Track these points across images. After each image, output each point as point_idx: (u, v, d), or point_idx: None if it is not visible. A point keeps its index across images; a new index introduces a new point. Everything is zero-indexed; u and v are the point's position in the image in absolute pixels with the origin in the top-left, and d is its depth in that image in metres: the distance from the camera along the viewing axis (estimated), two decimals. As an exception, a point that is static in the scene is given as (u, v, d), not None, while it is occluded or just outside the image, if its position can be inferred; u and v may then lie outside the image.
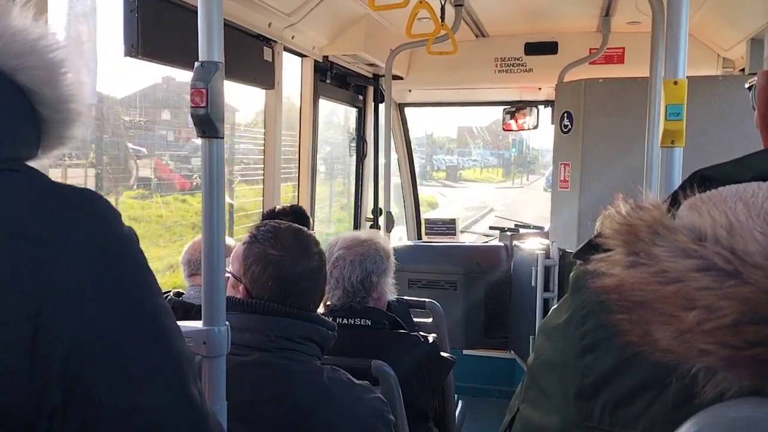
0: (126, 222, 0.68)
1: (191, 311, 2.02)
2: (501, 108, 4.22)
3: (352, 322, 1.86)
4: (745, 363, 0.43)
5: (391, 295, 2.03)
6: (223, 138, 1.16)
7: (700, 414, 0.45)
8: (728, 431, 0.43)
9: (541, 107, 4.11)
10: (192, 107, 1.12)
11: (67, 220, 0.62)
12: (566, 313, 0.62)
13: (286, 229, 1.46)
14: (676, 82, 1.45)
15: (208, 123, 1.14)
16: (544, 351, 0.65)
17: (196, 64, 1.14)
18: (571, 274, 0.64)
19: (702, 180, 0.57)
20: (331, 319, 1.58)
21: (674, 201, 0.54)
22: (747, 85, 0.86)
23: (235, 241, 2.35)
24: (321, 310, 1.67)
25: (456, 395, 2.43)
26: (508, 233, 4.21)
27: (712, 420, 0.44)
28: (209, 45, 1.13)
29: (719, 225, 0.45)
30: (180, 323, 0.74)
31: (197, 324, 1.18)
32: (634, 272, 0.47)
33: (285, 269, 1.41)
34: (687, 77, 1.48)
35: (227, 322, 1.19)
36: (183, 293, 2.28)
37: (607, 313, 0.49)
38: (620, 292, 0.48)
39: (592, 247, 0.54)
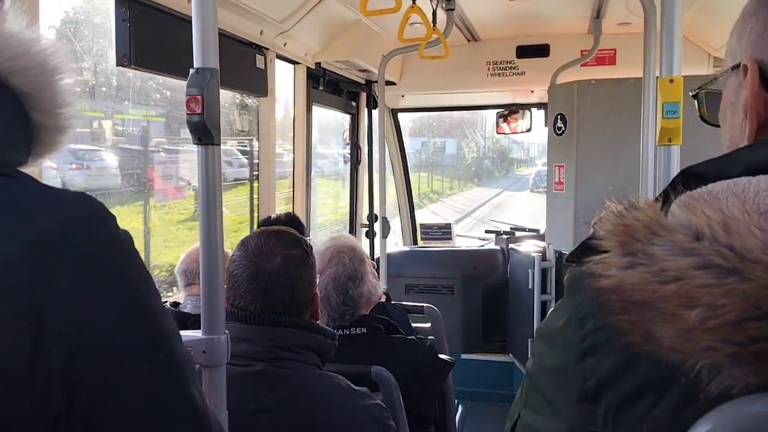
0: None
1: (188, 321, 2.01)
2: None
3: (348, 332, 1.85)
4: (749, 359, 0.42)
5: (379, 289, 2.00)
6: (219, 144, 1.15)
7: (713, 412, 0.44)
8: (743, 427, 0.43)
9: (534, 110, 4.13)
10: (187, 114, 1.11)
11: (64, 224, 0.61)
12: (563, 317, 0.61)
13: (253, 236, 1.45)
14: (671, 80, 1.45)
15: (204, 130, 1.13)
16: (543, 356, 0.64)
17: (191, 70, 1.12)
18: (565, 277, 0.63)
19: (692, 177, 0.56)
20: None
21: (665, 199, 0.54)
22: (692, 93, 0.81)
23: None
24: None
25: (456, 400, 2.42)
26: (504, 236, 4.22)
27: (726, 417, 0.44)
28: (204, 51, 1.12)
29: (715, 222, 0.45)
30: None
31: (196, 333, 1.17)
32: (633, 272, 0.47)
33: (252, 269, 1.39)
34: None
35: (226, 332, 1.18)
36: (180, 303, 2.27)
37: (606, 315, 0.49)
38: (619, 293, 0.47)
39: (586, 250, 0.53)
